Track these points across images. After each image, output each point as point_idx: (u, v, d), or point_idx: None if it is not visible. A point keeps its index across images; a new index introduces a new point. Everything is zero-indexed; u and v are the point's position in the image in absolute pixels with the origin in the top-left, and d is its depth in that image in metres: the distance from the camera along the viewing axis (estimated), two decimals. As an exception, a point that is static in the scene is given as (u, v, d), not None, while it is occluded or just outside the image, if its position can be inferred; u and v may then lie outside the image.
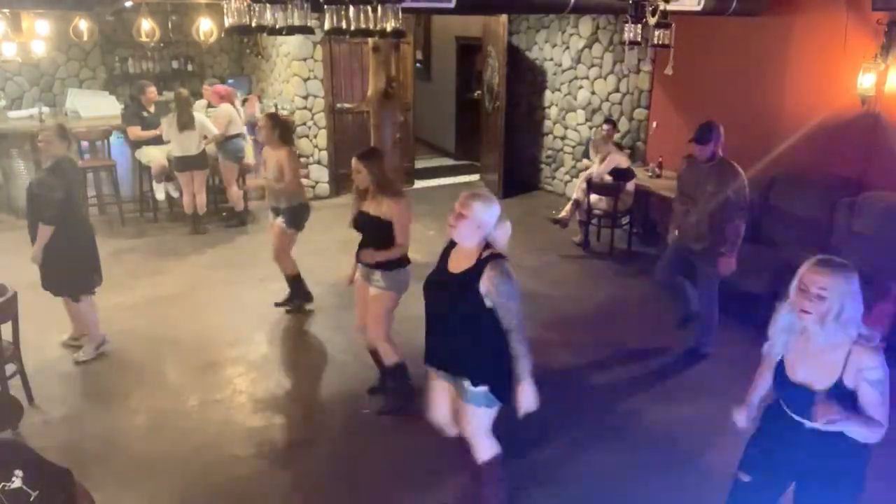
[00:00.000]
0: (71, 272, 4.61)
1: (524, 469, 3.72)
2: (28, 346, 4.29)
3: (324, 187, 8.93)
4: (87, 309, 4.79)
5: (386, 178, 3.99)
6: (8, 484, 1.82)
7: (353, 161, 3.95)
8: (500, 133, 8.81)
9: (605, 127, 7.37)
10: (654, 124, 7.57)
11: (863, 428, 2.28)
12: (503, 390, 2.95)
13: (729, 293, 5.37)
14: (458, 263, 2.91)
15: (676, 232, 4.86)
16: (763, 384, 2.73)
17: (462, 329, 2.88)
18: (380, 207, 3.92)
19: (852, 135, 5.47)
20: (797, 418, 2.46)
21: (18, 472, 1.85)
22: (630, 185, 6.93)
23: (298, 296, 5.60)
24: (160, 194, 7.81)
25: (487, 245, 2.88)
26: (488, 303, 2.81)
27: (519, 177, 9.49)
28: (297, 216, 5.31)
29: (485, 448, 3.09)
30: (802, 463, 2.49)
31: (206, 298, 5.78)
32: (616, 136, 7.60)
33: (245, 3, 3.06)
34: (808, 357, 2.41)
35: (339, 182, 8.96)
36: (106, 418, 4.17)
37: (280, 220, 5.29)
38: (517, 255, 6.94)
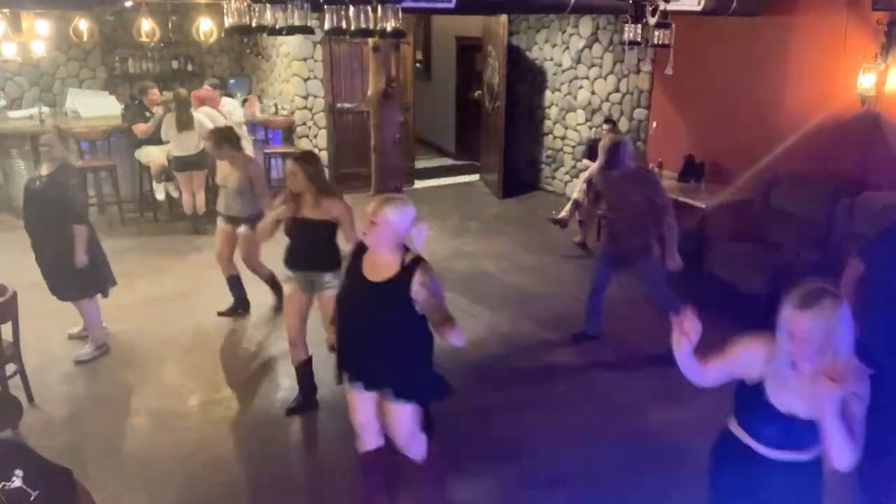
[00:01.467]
0: (81, 274, 4.60)
1: (523, 467, 3.72)
2: (28, 346, 4.29)
3: (324, 187, 8.92)
4: (93, 310, 4.80)
5: (323, 180, 3.92)
6: (8, 484, 1.82)
7: (289, 163, 3.87)
8: (500, 133, 8.82)
9: (605, 127, 7.37)
10: (654, 124, 7.57)
11: (848, 441, 2.10)
12: (431, 393, 3.04)
13: (729, 293, 5.38)
14: (378, 272, 2.84)
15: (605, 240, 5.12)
16: (705, 369, 2.43)
17: (386, 339, 2.84)
18: (321, 210, 3.82)
19: (852, 135, 5.47)
20: (769, 454, 2.28)
21: (18, 472, 1.85)
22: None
23: (278, 294, 5.48)
24: (160, 194, 7.81)
25: (407, 249, 2.84)
26: (417, 308, 2.80)
27: (519, 177, 9.49)
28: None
29: (418, 446, 3.11)
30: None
31: (206, 298, 5.78)
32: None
33: (245, 3, 3.06)
34: (797, 385, 2.22)
35: (340, 182, 8.95)
36: (106, 418, 4.17)
37: (245, 228, 5.15)
38: (517, 255, 6.96)
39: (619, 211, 4.84)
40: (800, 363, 2.15)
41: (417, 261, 2.82)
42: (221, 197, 5.24)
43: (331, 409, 4.36)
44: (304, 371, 4.21)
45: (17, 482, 1.83)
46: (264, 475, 3.71)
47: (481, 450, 3.90)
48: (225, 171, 5.16)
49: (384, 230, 2.75)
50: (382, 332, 2.82)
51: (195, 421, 4.18)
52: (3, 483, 1.81)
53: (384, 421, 3.07)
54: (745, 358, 2.33)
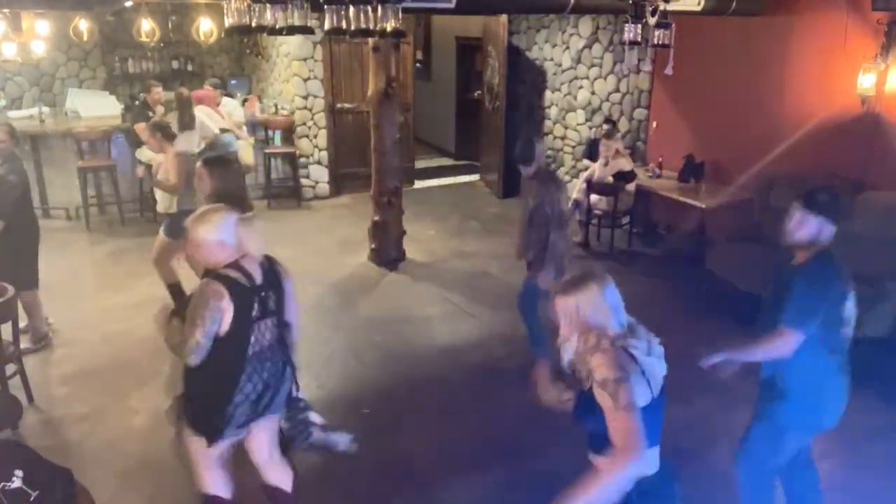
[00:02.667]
0: (16, 266, 4.57)
1: (523, 467, 3.72)
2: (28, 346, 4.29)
3: (324, 187, 8.93)
4: (33, 303, 4.80)
5: (235, 184, 3.75)
6: (8, 484, 1.82)
7: (198, 166, 3.71)
8: (500, 133, 8.82)
9: (606, 127, 7.36)
10: (654, 124, 7.57)
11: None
12: (207, 430, 2.78)
13: (729, 293, 5.38)
14: None
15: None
16: None
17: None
18: None
19: (852, 135, 5.47)
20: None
21: (18, 472, 1.85)
22: (630, 186, 6.93)
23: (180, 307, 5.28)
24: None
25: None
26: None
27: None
28: (177, 224, 4.65)
29: (206, 480, 2.91)
30: None
31: (206, 298, 5.78)
32: (616, 137, 7.59)
33: (245, 3, 3.06)
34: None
35: (339, 182, 8.97)
36: (106, 418, 4.17)
37: (161, 229, 4.98)
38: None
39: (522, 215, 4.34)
40: (568, 343, 2.18)
41: (206, 273, 2.67)
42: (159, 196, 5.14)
43: (331, 409, 4.36)
44: None
45: (17, 482, 1.83)
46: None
47: (482, 449, 3.90)
48: (161, 166, 5.09)
49: (207, 249, 2.63)
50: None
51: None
52: (3, 483, 1.82)
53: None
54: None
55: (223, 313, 2.56)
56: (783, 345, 2.64)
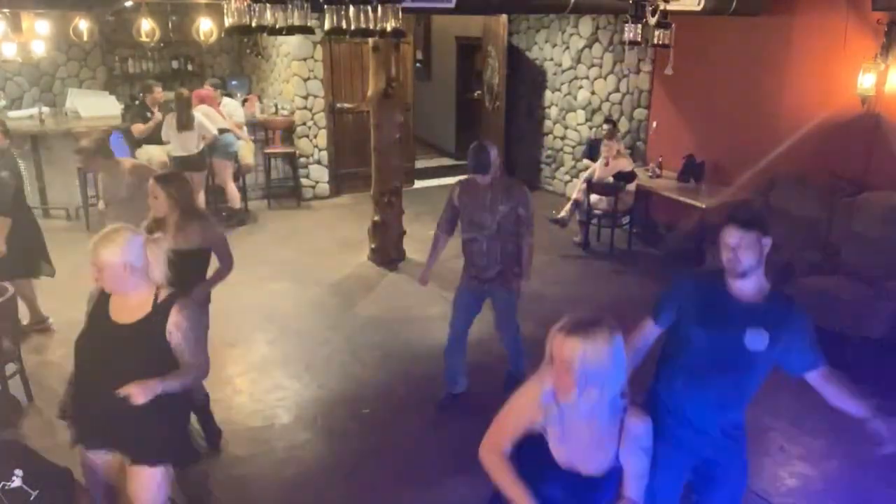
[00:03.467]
0: (14, 256, 4.63)
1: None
2: (28, 346, 4.29)
3: (324, 187, 8.93)
4: (27, 290, 4.92)
5: (190, 203, 3.54)
6: (8, 483, 1.82)
7: (151, 184, 3.46)
8: (500, 133, 8.81)
9: (607, 127, 7.36)
10: (654, 124, 7.56)
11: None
12: (176, 455, 2.65)
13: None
14: (128, 312, 2.48)
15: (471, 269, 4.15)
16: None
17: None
18: (191, 237, 3.43)
19: (852, 135, 5.47)
20: None
21: (18, 472, 1.85)
22: (630, 186, 6.93)
23: None
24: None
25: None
26: (173, 348, 2.48)
27: (519, 177, 9.46)
28: None
29: None
30: None
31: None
32: (617, 137, 7.59)
33: (245, 3, 3.05)
34: (577, 433, 2.00)
35: (339, 182, 8.97)
36: (106, 418, 4.16)
37: None
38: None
39: (478, 229, 3.98)
40: (560, 394, 1.94)
41: (174, 296, 2.51)
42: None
43: (330, 409, 4.36)
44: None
45: (17, 482, 1.83)
46: (264, 475, 3.71)
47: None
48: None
49: (112, 272, 2.40)
50: (124, 380, 2.33)
51: (195, 421, 4.17)
52: (3, 483, 1.82)
53: (126, 489, 2.58)
54: (520, 406, 2.09)
55: None
56: None
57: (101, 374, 2.45)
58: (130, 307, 2.48)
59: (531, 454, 2.03)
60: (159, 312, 2.46)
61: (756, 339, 2.30)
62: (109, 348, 2.48)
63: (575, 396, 1.89)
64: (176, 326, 2.46)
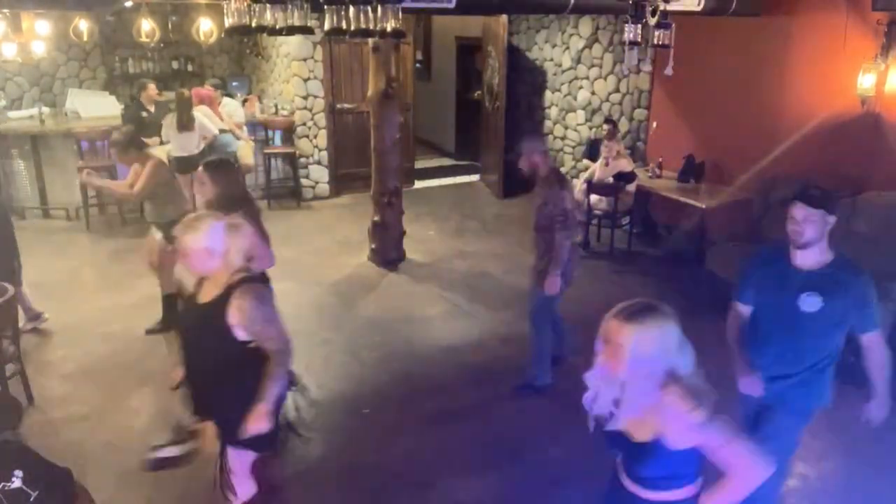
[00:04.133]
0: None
1: (524, 466, 3.72)
2: (28, 346, 4.29)
3: (324, 187, 8.93)
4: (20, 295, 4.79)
5: (235, 189, 3.62)
6: (8, 484, 1.82)
7: (199, 171, 3.60)
8: (500, 133, 8.82)
9: (606, 127, 7.37)
10: (655, 124, 7.57)
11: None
12: (265, 441, 2.72)
13: (729, 293, 5.37)
14: (208, 293, 2.62)
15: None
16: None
17: (209, 369, 2.60)
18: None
19: (852, 135, 5.47)
20: (639, 493, 2.13)
21: (18, 472, 1.85)
22: (630, 186, 6.93)
23: (169, 319, 5.04)
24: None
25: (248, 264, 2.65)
26: (241, 335, 2.56)
27: (519, 177, 9.46)
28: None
29: (244, 489, 2.82)
30: None
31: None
32: (617, 137, 7.59)
33: (245, 4, 3.06)
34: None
35: (339, 182, 8.97)
36: (106, 418, 4.17)
37: (160, 235, 4.93)
38: (517, 255, 6.95)
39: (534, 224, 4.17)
40: (612, 374, 1.97)
41: (244, 281, 2.58)
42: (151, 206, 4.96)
43: (331, 409, 4.37)
44: None
45: (17, 482, 1.83)
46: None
47: (482, 449, 3.90)
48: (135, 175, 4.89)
49: (197, 257, 2.55)
50: (203, 360, 2.57)
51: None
52: (3, 483, 1.81)
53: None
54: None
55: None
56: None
57: (190, 350, 2.67)
58: (211, 288, 2.63)
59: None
60: (225, 295, 2.56)
61: (809, 302, 2.63)
62: (191, 326, 2.69)
63: (623, 378, 1.96)
64: (237, 309, 2.53)
